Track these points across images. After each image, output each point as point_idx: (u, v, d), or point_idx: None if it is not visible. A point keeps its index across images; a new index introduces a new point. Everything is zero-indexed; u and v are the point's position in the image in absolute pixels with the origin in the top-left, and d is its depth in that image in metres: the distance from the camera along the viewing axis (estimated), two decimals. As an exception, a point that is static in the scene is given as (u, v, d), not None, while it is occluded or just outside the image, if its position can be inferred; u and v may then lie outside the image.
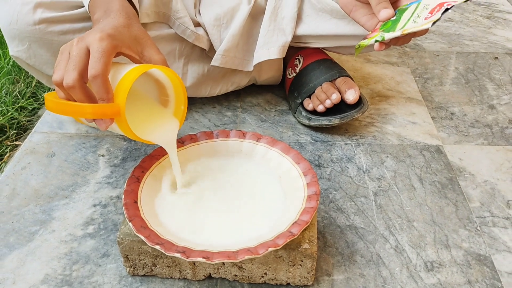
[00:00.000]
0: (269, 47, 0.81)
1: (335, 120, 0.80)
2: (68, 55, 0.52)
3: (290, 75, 0.89)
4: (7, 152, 0.81)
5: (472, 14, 1.30)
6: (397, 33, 0.58)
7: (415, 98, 0.94)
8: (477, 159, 0.79)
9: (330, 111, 0.81)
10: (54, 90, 0.97)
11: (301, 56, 0.87)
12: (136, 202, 0.56)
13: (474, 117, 0.89)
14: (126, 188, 0.57)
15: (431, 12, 0.56)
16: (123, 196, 0.56)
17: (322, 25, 0.80)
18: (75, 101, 0.52)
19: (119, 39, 0.53)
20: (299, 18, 0.82)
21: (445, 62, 1.07)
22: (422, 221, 0.67)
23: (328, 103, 0.80)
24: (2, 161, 0.79)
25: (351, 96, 0.79)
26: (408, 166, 0.77)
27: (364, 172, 0.75)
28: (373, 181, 0.74)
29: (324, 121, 0.81)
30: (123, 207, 0.55)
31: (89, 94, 0.52)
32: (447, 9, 0.55)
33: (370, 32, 0.63)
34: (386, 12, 0.61)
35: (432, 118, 0.88)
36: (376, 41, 0.60)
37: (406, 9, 0.61)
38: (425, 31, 0.58)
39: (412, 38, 0.62)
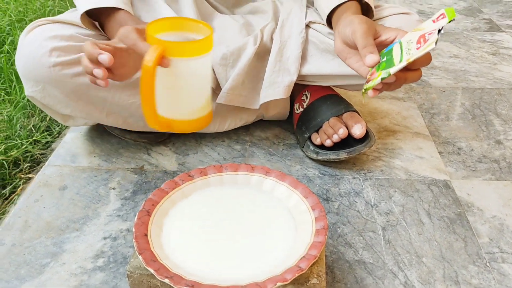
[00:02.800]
0: (275, 88, 0.83)
1: (342, 155, 0.81)
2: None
3: (297, 110, 0.90)
4: (20, 184, 0.83)
5: (477, 51, 1.32)
6: (403, 63, 0.59)
7: (422, 133, 0.95)
8: (485, 194, 0.79)
9: (337, 145, 0.82)
10: (67, 127, 0.99)
11: (308, 92, 0.89)
12: (146, 235, 0.57)
13: (481, 152, 0.89)
14: (136, 221, 0.58)
15: (418, 43, 0.58)
16: (133, 229, 0.57)
17: (326, 65, 0.83)
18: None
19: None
20: (303, 58, 0.84)
21: (451, 98, 1.08)
22: (431, 256, 0.67)
23: (336, 138, 0.81)
24: (15, 193, 0.81)
25: (358, 131, 0.80)
26: (416, 201, 0.77)
27: (372, 206, 0.76)
28: (381, 215, 0.74)
29: (331, 156, 0.82)
30: (133, 240, 0.55)
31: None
32: (439, 31, 0.57)
33: (369, 76, 0.65)
34: (371, 58, 0.62)
35: (440, 153, 0.89)
36: (382, 78, 0.61)
37: (390, 50, 0.62)
38: (427, 58, 0.61)
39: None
